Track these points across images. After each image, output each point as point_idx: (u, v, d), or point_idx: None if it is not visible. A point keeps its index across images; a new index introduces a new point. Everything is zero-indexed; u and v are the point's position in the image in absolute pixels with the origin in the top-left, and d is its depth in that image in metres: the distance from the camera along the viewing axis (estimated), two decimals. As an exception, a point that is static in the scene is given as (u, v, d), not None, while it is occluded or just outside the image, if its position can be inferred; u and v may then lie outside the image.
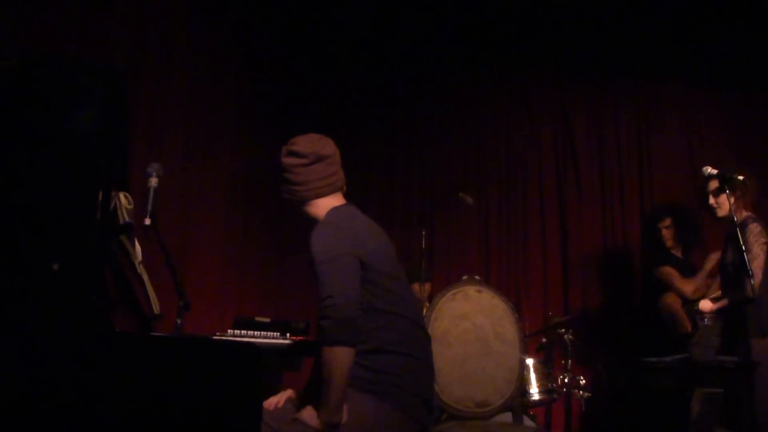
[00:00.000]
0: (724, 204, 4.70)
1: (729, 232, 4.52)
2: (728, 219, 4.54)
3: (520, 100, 6.90)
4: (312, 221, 3.13)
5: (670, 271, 5.74)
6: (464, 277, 5.47)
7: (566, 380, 5.42)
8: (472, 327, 5.24)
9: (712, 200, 4.77)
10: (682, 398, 4.06)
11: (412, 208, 6.26)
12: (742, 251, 4.04)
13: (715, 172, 4.44)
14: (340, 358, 2.80)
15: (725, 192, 4.42)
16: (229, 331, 3.99)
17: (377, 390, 2.93)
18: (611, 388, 5.82)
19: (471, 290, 5.37)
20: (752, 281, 4.14)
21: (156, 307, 2.79)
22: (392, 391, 2.95)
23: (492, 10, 6.28)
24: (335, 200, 3.19)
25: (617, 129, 6.90)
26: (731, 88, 6.90)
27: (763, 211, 4.80)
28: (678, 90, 6.97)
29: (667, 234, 5.97)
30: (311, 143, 3.18)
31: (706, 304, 4.83)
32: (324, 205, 3.14)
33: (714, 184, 4.71)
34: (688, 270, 5.81)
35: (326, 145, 3.21)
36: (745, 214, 4.72)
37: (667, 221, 5.97)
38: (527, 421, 5.05)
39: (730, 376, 4.09)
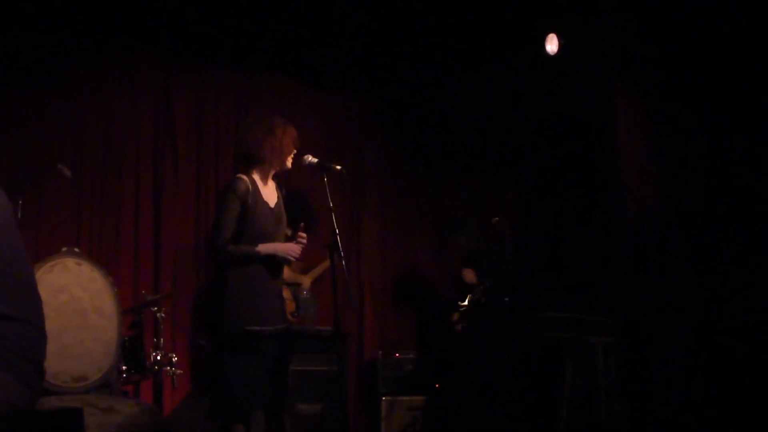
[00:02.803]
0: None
1: None
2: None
3: (124, 79, 6.78)
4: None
5: None
6: (63, 249, 5.29)
7: (158, 358, 5.49)
8: (70, 299, 5.11)
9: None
10: (283, 365, 4.38)
11: (3, 176, 5.88)
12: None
13: (315, 160, 4.61)
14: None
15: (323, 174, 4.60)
16: None
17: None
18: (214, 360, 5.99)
19: (70, 262, 5.22)
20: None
21: None
22: (4, 356, 2.85)
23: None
24: None
25: (217, 116, 7.12)
26: (326, 88, 7.59)
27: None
28: (277, 84, 7.36)
29: None
30: None
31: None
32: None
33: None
34: None
35: None
36: None
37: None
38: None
39: (326, 343, 4.49)
